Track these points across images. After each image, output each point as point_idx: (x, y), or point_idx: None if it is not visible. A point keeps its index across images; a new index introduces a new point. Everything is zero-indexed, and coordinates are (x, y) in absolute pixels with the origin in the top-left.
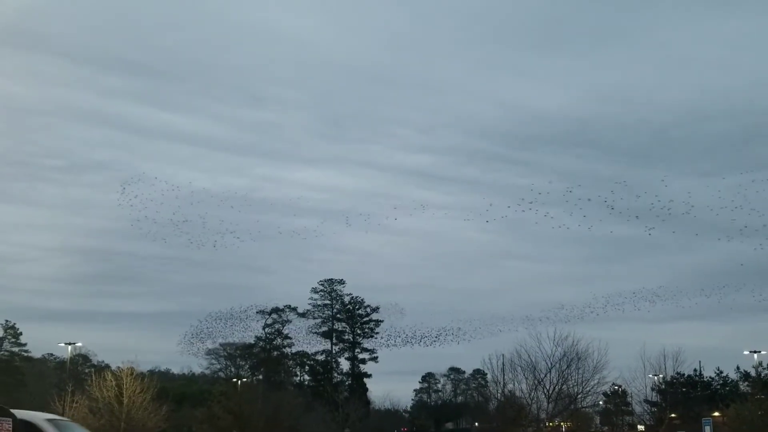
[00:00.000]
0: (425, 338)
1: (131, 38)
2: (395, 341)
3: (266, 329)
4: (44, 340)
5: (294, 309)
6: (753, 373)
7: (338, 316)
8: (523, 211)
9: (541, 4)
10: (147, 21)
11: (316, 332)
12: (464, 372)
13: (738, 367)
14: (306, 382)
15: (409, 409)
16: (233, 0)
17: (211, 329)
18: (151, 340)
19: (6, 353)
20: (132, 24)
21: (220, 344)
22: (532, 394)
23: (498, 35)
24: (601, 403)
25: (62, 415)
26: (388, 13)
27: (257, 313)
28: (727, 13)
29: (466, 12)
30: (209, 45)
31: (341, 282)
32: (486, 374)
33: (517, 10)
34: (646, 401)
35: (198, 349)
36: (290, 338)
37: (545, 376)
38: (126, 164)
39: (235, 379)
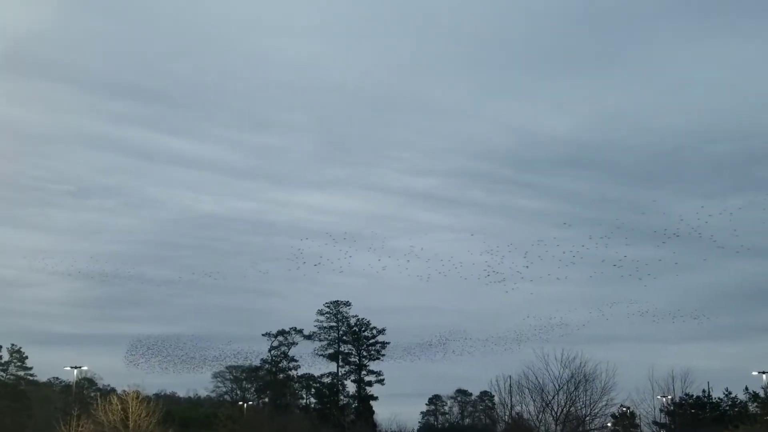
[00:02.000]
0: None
1: (139, 65)
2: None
3: (272, 352)
4: (50, 364)
5: (300, 331)
6: (762, 393)
7: (344, 338)
8: (537, 242)
9: (545, 28)
10: (154, 48)
11: (322, 354)
12: (471, 394)
13: (747, 388)
14: (312, 405)
15: (416, 431)
16: (239, 27)
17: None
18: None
19: (12, 377)
20: (140, 51)
21: (226, 367)
22: (540, 416)
23: (502, 59)
24: (609, 425)
25: None
26: (393, 37)
27: (263, 335)
28: (728, 36)
29: (470, 37)
30: (216, 71)
31: (347, 304)
32: (493, 396)
33: (521, 34)
34: (655, 423)
35: (149, 364)
36: (296, 360)
37: (553, 398)
38: (134, 189)
39: (241, 402)
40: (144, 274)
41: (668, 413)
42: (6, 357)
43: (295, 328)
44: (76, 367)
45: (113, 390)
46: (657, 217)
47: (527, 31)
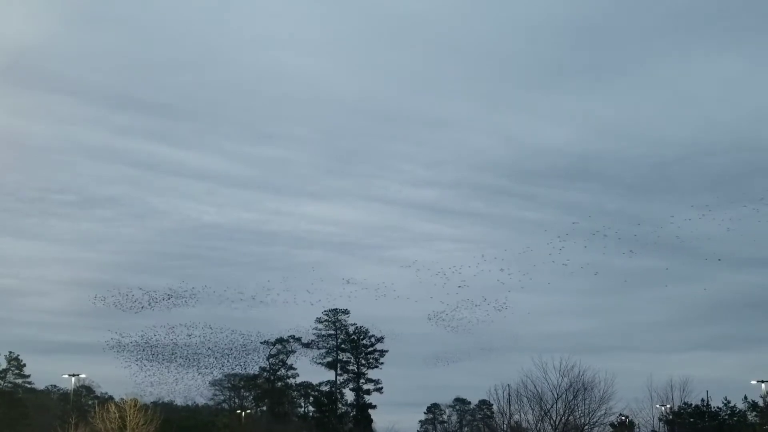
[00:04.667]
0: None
1: (142, 78)
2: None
3: (270, 360)
4: (49, 372)
5: (298, 339)
6: (761, 403)
7: (343, 346)
8: (536, 252)
9: (544, 42)
10: (158, 61)
11: (320, 363)
12: (470, 403)
13: (745, 397)
14: (310, 414)
15: None
16: (242, 40)
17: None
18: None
19: (9, 385)
20: (143, 64)
21: (224, 375)
22: (539, 425)
23: (502, 73)
24: None
25: None
26: (394, 51)
27: (261, 343)
28: (726, 51)
29: (470, 50)
30: (219, 83)
31: (345, 312)
32: (492, 405)
33: (520, 48)
34: None
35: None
36: (294, 369)
37: (552, 406)
38: (137, 200)
39: (239, 411)
40: (145, 284)
41: (667, 422)
42: (4, 365)
43: (294, 336)
44: (74, 375)
45: (111, 398)
46: (655, 228)
47: (526, 45)
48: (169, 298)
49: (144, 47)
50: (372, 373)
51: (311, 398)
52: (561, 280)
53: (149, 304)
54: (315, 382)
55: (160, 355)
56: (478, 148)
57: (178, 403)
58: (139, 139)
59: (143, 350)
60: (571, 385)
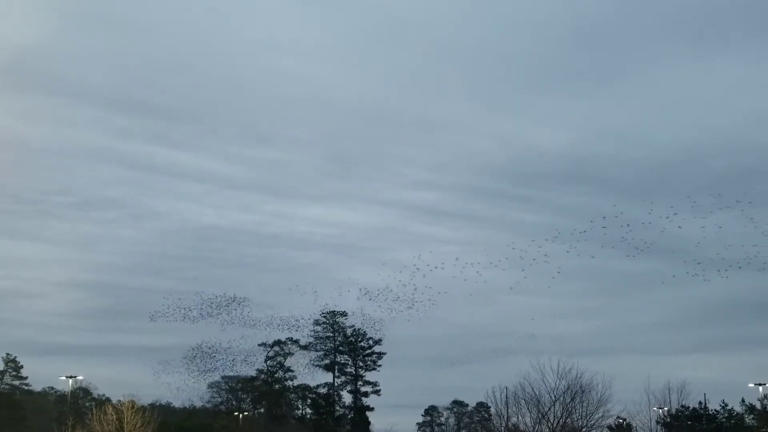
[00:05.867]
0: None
1: (142, 79)
2: None
3: (268, 362)
4: (46, 374)
5: (296, 341)
6: (758, 405)
7: (340, 348)
8: (534, 249)
9: (544, 44)
10: (158, 62)
11: (318, 365)
12: (467, 405)
13: (743, 400)
14: (308, 416)
15: None
16: (243, 42)
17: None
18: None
19: (6, 387)
20: (143, 65)
21: (222, 377)
22: (537, 427)
23: (501, 76)
24: None
25: None
26: (394, 53)
27: (259, 345)
28: (726, 55)
29: (470, 53)
30: (219, 86)
31: (343, 314)
32: (489, 407)
33: (520, 51)
34: None
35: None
36: (292, 371)
37: (549, 409)
38: (137, 201)
39: (236, 413)
40: (144, 286)
41: (665, 425)
42: (1, 366)
43: (291, 338)
44: (71, 377)
45: (108, 400)
46: (654, 230)
47: (526, 46)
48: (227, 304)
49: (144, 48)
50: (370, 375)
51: (309, 400)
52: (559, 282)
53: (201, 314)
54: (313, 384)
55: (197, 360)
56: (478, 151)
57: (176, 405)
58: (138, 141)
59: (187, 358)
60: (568, 388)
